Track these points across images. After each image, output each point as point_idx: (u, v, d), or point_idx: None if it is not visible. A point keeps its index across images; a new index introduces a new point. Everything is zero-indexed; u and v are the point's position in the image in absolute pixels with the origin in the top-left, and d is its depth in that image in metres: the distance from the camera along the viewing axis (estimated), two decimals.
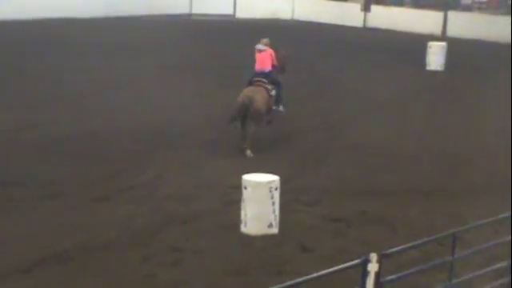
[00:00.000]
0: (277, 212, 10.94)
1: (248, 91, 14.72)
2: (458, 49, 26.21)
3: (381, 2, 35.29)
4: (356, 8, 34.77)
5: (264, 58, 15.22)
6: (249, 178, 11.06)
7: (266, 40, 15.46)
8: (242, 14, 34.93)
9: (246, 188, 10.95)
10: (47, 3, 30.48)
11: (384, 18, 33.69)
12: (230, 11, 35.15)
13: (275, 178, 11.08)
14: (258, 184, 10.92)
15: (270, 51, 15.32)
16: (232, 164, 13.70)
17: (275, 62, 15.37)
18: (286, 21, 34.54)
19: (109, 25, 30.80)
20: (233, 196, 11.63)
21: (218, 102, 18.14)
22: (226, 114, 14.87)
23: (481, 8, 34.79)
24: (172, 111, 17.75)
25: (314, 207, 12.11)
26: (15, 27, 28.65)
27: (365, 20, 34.29)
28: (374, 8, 34.43)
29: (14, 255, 10.01)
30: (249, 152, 14.43)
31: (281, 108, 15.51)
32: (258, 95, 14.66)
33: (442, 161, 14.92)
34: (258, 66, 15.23)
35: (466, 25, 31.87)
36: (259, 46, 15.30)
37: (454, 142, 16.23)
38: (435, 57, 24.37)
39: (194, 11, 34.65)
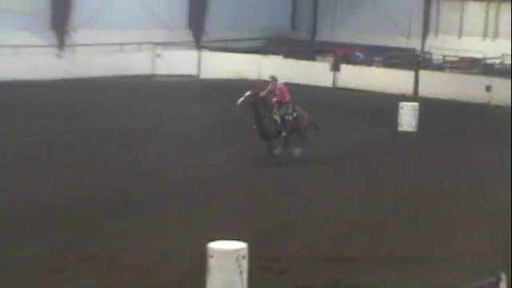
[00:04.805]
0: (245, 282, 10.79)
1: None
2: (430, 109, 26.42)
3: (350, 61, 35.64)
4: (325, 67, 35.09)
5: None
6: (215, 245, 10.92)
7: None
8: (206, 74, 35.11)
9: (211, 256, 10.81)
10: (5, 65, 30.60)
11: (354, 77, 33.96)
12: (193, 71, 35.36)
13: (243, 245, 10.96)
14: (225, 252, 10.79)
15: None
16: (196, 231, 13.54)
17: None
18: (253, 81, 34.74)
19: (69, 86, 30.64)
20: (197, 265, 11.46)
21: (180, 167, 18.16)
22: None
23: (452, 68, 35.31)
24: (131, 176, 17.62)
25: (285, 275, 11.99)
26: None
27: (334, 79, 34.56)
28: (343, 67, 34.73)
29: None
30: None
31: None
32: None
33: (416, 226, 14.88)
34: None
35: (438, 84, 32.27)
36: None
37: (428, 206, 16.24)
38: (407, 117, 24.44)
39: (157, 71, 34.82)
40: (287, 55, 36.73)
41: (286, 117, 19.52)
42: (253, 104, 19.06)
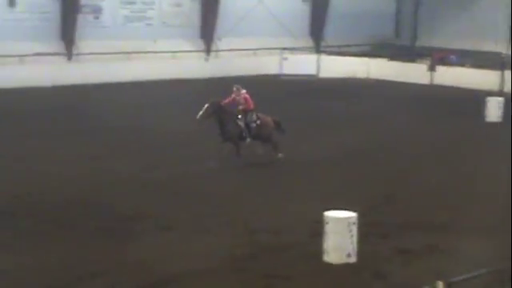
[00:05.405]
0: (355, 243, 10.83)
1: None
2: None
3: (445, 63, 34.81)
4: (423, 68, 34.40)
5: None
6: (330, 214, 11.01)
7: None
8: (324, 74, 35.03)
9: (327, 223, 10.91)
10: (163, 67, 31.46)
11: (448, 76, 33.14)
12: (313, 71, 35.33)
13: (353, 214, 10.99)
14: (338, 219, 10.85)
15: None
16: (314, 203, 13.62)
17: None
18: (362, 79, 34.41)
19: (214, 84, 31.12)
20: (316, 230, 11.57)
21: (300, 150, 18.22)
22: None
23: None
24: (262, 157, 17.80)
25: (387, 239, 11.94)
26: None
27: (431, 78, 33.85)
28: (439, 68, 33.94)
29: (132, 277, 10.22)
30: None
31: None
32: None
33: (497, 201, 14.46)
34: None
35: None
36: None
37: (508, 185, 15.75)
38: (493, 110, 23.82)
39: (283, 72, 34.94)
40: (391, 58, 36.10)
41: (251, 124, 17.31)
42: (215, 113, 16.92)
